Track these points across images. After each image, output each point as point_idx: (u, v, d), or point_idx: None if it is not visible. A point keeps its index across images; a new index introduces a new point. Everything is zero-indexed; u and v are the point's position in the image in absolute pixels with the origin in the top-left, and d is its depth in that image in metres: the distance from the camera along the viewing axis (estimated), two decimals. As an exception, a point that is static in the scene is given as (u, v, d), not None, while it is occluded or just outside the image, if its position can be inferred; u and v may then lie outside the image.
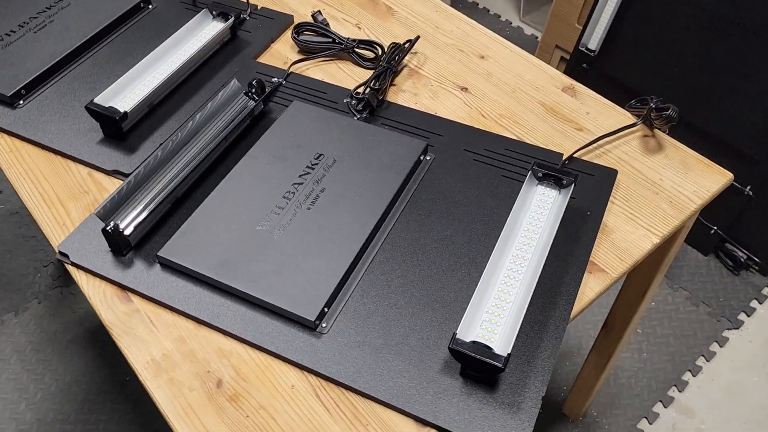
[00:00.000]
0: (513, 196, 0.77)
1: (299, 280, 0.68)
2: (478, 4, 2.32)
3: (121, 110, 0.82)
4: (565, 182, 0.74)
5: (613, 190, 0.79)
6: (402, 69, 0.95)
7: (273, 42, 1.00)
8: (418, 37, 0.97)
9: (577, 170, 0.80)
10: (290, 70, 0.94)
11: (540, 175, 0.75)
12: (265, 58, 0.97)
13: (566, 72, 1.69)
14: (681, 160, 0.83)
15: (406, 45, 0.96)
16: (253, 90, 0.86)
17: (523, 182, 0.78)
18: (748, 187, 1.44)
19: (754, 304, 1.48)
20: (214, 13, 0.97)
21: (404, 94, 0.92)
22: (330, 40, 0.97)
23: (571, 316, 0.67)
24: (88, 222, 0.76)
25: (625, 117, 0.88)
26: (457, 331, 0.61)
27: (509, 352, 0.59)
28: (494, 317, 0.64)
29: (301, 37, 0.98)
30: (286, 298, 0.66)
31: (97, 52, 0.96)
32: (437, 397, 0.61)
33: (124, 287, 0.70)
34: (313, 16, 1.01)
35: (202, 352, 0.66)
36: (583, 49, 1.60)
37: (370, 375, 0.63)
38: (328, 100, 0.90)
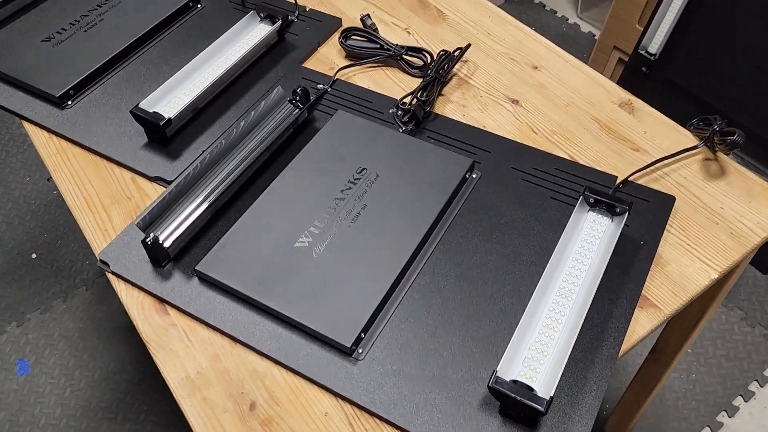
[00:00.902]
0: (562, 221, 0.74)
1: (337, 303, 0.66)
2: (533, 0, 2.25)
3: (166, 116, 0.81)
4: (618, 210, 0.70)
5: (669, 218, 0.75)
6: (451, 78, 0.92)
7: (320, 45, 0.98)
8: (468, 45, 0.93)
9: (632, 195, 0.76)
10: (336, 76, 0.92)
11: (592, 200, 0.72)
12: (311, 63, 0.96)
13: (624, 75, 1.62)
14: (745, 187, 0.78)
15: (456, 53, 0.92)
16: (298, 98, 0.84)
17: (574, 206, 0.74)
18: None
19: (814, 327, 1.41)
20: (261, 15, 0.96)
21: (452, 105, 0.89)
22: (378, 46, 0.94)
23: (619, 355, 0.64)
24: (128, 230, 0.76)
25: (685, 137, 0.83)
26: (498, 369, 0.58)
27: (552, 395, 0.56)
28: (537, 354, 0.61)
29: (349, 42, 0.95)
30: (322, 322, 0.65)
31: (144, 53, 0.96)
32: (473, 435, 0.59)
33: (161, 299, 0.70)
34: (362, 19, 0.99)
35: (236, 371, 0.65)
36: (643, 52, 1.53)
37: (406, 407, 0.61)
38: (374, 110, 0.87)
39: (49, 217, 1.69)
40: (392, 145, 0.81)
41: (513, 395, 0.56)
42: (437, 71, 0.89)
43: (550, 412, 0.60)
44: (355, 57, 0.95)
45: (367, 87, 0.91)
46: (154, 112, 0.82)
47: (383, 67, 0.94)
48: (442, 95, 0.90)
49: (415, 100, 0.86)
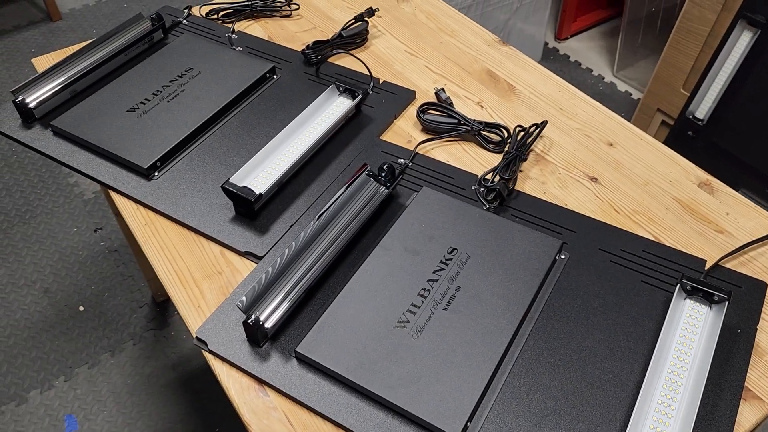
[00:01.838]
0: (655, 306, 0.74)
1: (440, 389, 0.66)
2: (569, 57, 2.29)
3: (257, 192, 0.83)
4: (717, 298, 0.71)
5: (764, 305, 0.75)
6: (529, 154, 0.94)
7: (396, 119, 1.00)
8: (545, 122, 0.95)
9: (721, 279, 0.77)
10: (416, 150, 0.94)
11: (689, 288, 0.72)
12: (388, 136, 0.98)
13: (669, 139, 1.64)
14: (835, 273, 0.78)
15: (533, 129, 0.94)
16: (384, 174, 0.86)
17: (666, 290, 0.75)
18: None
19: None
20: (341, 88, 0.98)
21: (531, 181, 0.90)
22: (456, 120, 0.96)
23: (728, 450, 0.63)
24: (224, 308, 0.76)
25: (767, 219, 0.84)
26: (614, 466, 0.58)
27: (672, 495, 0.56)
28: (650, 450, 0.60)
29: (426, 116, 0.97)
30: (427, 409, 0.65)
31: (226, 123, 0.98)
32: None
33: (261, 381, 0.70)
34: (436, 93, 1.01)
35: (340, 458, 0.65)
36: (690, 117, 1.56)
37: (517, 502, 0.60)
38: (456, 186, 0.89)
39: (97, 269, 1.70)
40: (480, 224, 0.82)
41: (633, 495, 0.56)
42: (518, 148, 0.90)
43: None
44: (433, 131, 0.97)
45: (446, 161, 0.93)
46: (245, 186, 0.83)
47: (460, 142, 0.96)
48: (521, 171, 0.91)
49: (498, 177, 0.87)
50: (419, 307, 0.73)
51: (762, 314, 0.74)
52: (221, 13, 1.20)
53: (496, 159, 0.93)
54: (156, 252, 0.83)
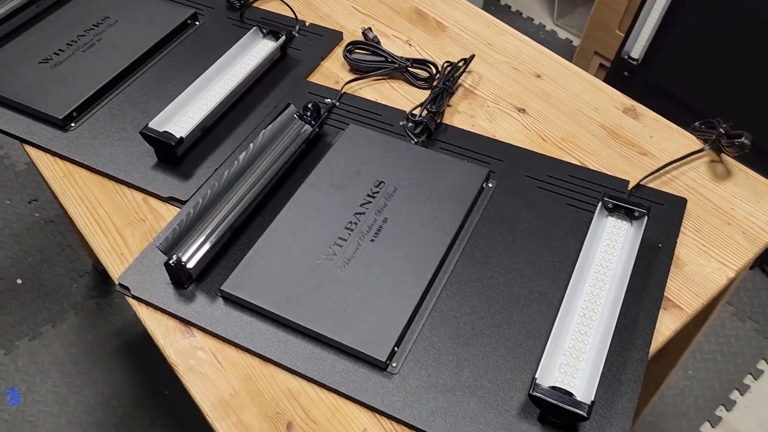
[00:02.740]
0: (580, 226, 0.75)
1: (367, 318, 0.66)
2: (510, 7, 2.29)
3: (177, 135, 0.80)
4: (637, 214, 0.72)
5: (683, 220, 0.76)
6: (457, 89, 0.93)
7: (323, 60, 0.98)
8: (473, 56, 0.94)
9: (645, 198, 0.78)
10: (343, 90, 0.92)
11: (610, 206, 0.73)
12: (316, 77, 0.96)
13: (606, 80, 1.66)
14: (751, 187, 0.80)
15: (461, 64, 0.93)
16: (309, 113, 0.84)
17: (591, 212, 0.76)
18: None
19: (801, 319, 1.45)
20: (264, 31, 0.96)
21: (460, 115, 0.90)
22: (383, 59, 0.95)
23: (649, 356, 0.65)
24: (146, 253, 0.74)
25: (690, 141, 0.86)
26: (537, 376, 0.59)
27: (592, 399, 0.57)
28: (573, 360, 0.62)
29: (353, 56, 0.96)
30: (354, 337, 0.65)
31: (146, 72, 0.95)
32: (515, 443, 0.59)
33: (186, 322, 0.69)
34: (363, 33, 0.99)
35: (269, 391, 0.64)
36: (626, 57, 1.57)
37: (445, 419, 0.61)
38: (384, 123, 0.88)
39: (33, 241, 1.65)
40: (407, 158, 0.81)
41: (554, 402, 0.57)
42: (445, 82, 0.89)
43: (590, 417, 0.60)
44: (360, 70, 0.96)
45: (374, 100, 0.91)
46: (165, 131, 0.81)
47: (389, 80, 0.95)
48: (449, 106, 0.91)
49: (425, 112, 0.87)
50: (346, 240, 0.72)
51: (682, 229, 0.76)
52: (139, -39, 1.15)
53: (425, 95, 0.92)
54: (75, 203, 0.80)
